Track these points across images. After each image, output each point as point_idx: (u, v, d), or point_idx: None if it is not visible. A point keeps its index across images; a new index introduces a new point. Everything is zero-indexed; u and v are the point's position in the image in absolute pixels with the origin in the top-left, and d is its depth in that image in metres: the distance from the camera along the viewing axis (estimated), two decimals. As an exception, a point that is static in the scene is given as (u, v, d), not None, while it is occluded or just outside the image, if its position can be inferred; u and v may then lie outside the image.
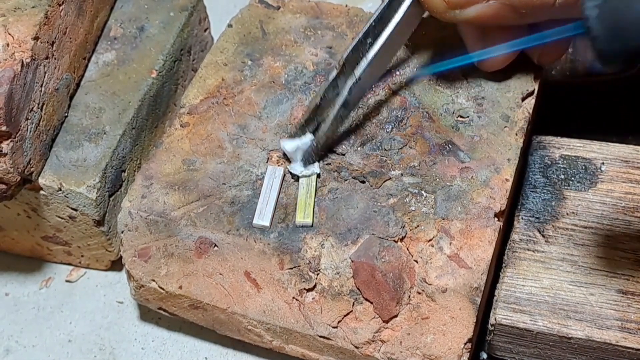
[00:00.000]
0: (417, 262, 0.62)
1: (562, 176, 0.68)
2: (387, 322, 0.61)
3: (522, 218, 0.67)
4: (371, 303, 0.61)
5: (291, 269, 0.63)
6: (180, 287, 0.65)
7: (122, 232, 0.67)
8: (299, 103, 0.71)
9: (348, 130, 0.69)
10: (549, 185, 0.68)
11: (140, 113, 0.74)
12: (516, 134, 0.68)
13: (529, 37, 0.63)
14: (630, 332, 0.60)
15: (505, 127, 0.68)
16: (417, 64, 0.72)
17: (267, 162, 0.68)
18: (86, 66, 0.75)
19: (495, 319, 0.62)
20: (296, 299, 0.63)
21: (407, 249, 0.63)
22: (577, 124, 0.78)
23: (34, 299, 0.75)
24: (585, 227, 0.66)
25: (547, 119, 0.76)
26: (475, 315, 0.61)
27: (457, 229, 0.63)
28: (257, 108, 0.71)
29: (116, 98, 0.73)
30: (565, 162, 0.69)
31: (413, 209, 0.64)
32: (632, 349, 0.60)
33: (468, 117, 0.69)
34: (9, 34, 0.65)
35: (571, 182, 0.68)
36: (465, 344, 0.60)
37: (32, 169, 0.67)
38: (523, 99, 0.69)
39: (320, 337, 0.62)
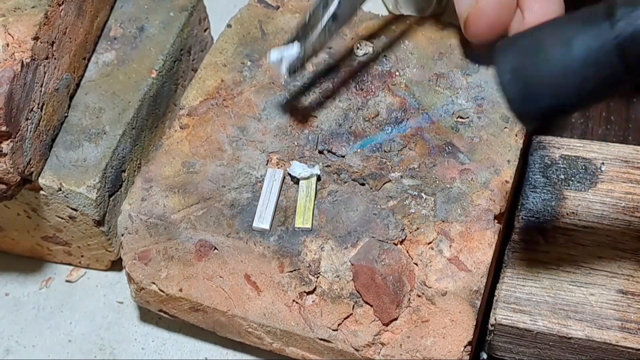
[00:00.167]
0: (417, 265, 0.62)
1: (562, 176, 0.68)
2: (387, 325, 0.61)
3: (522, 218, 0.67)
4: (371, 306, 0.62)
5: (291, 272, 0.63)
6: (181, 290, 0.65)
7: (122, 235, 0.67)
8: (299, 104, 0.71)
9: (348, 131, 0.69)
10: (549, 185, 0.68)
11: (140, 113, 0.74)
12: (516, 135, 0.67)
13: None
14: (630, 332, 0.60)
15: (505, 128, 0.68)
16: (416, 64, 0.72)
17: (266, 164, 0.68)
18: (86, 66, 0.75)
19: (495, 319, 0.62)
20: (296, 302, 0.63)
21: (407, 252, 0.63)
22: (577, 124, 0.78)
23: (34, 299, 0.75)
24: (585, 227, 0.66)
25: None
26: (475, 318, 0.61)
27: (457, 232, 0.63)
28: (256, 110, 0.71)
29: (116, 98, 0.73)
30: (565, 162, 0.69)
31: (413, 211, 0.64)
32: (632, 349, 0.60)
33: (468, 118, 0.69)
34: (9, 34, 0.65)
35: (571, 182, 0.68)
36: (465, 346, 0.60)
37: (32, 169, 0.67)
38: (523, 99, 0.69)
39: (321, 339, 0.62)
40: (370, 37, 0.74)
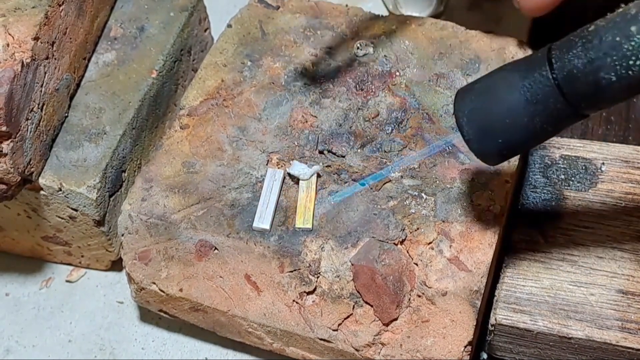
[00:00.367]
0: (417, 265, 0.62)
1: (562, 176, 0.68)
2: (387, 325, 0.61)
3: (522, 218, 0.67)
4: (371, 306, 0.62)
5: (291, 272, 0.63)
6: (181, 290, 0.65)
7: (123, 235, 0.67)
8: (299, 104, 0.71)
9: (348, 131, 0.69)
10: (549, 185, 0.68)
11: (140, 113, 0.74)
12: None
13: None
14: (630, 332, 0.60)
15: (505, 128, 0.68)
16: (417, 64, 0.72)
17: (267, 164, 0.68)
18: (86, 66, 0.75)
19: (496, 319, 0.62)
20: (296, 302, 0.63)
21: (407, 252, 0.63)
22: (577, 124, 0.78)
23: (34, 299, 0.75)
24: (585, 227, 0.66)
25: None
26: (475, 318, 0.61)
27: (457, 232, 0.63)
28: (256, 110, 0.71)
29: (116, 98, 0.73)
30: (565, 162, 0.69)
31: (413, 211, 0.64)
32: (632, 349, 0.60)
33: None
34: (9, 34, 0.65)
35: (571, 182, 0.68)
36: (465, 347, 0.60)
37: (32, 169, 0.67)
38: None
39: (321, 340, 0.62)
40: (370, 37, 0.74)
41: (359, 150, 0.68)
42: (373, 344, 0.61)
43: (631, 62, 0.48)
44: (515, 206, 0.68)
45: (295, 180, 0.66)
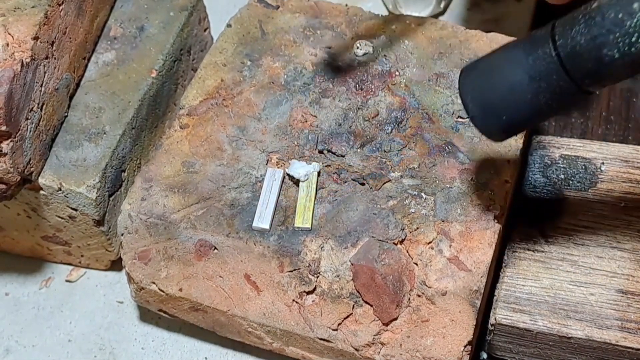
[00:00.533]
0: (416, 264, 0.62)
1: (562, 176, 0.68)
2: (387, 324, 0.61)
3: (522, 218, 0.67)
4: (371, 306, 0.62)
5: (291, 271, 0.63)
6: (181, 290, 0.65)
7: (122, 234, 0.67)
8: (298, 104, 0.71)
9: (347, 131, 0.69)
10: (549, 185, 0.68)
11: (140, 113, 0.74)
12: (516, 135, 0.67)
13: None
14: (630, 332, 0.60)
15: (505, 127, 0.68)
16: (416, 64, 0.72)
17: (266, 164, 0.68)
18: (86, 66, 0.75)
19: (495, 319, 0.62)
20: (296, 302, 0.63)
21: (407, 252, 0.63)
22: (577, 124, 0.78)
23: (34, 299, 0.75)
24: (585, 227, 0.66)
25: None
26: (475, 317, 0.61)
27: (456, 232, 0.63)
28: (256, 109, 0.71)
29: (116, 98, 0.73)
30: (565, 162, 0.69)
31: (413, 211, 0.64)
32: (632, 348, 0.60)
33: (468, 117, 0.68)
34: (9, 34, 0.65)
35: (571, 182, 0.68)
36: (465, 346, 0.60)
37: (32, 169, 0.67)
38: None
39: (320, 339, 0.62)
40: (370, 37, 0.74)
41: (358, 150, 0.68)
42: (373, 343, 0.61)
43: (634, 39, 0.48)
44: (515, 206, 0.68)
45: (295, 180, 0.66)
